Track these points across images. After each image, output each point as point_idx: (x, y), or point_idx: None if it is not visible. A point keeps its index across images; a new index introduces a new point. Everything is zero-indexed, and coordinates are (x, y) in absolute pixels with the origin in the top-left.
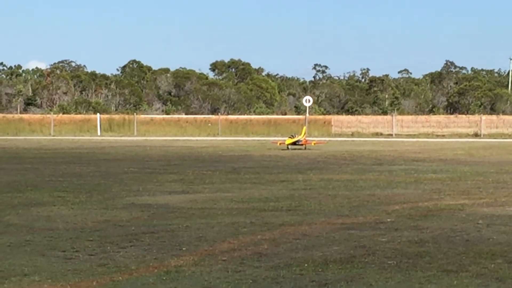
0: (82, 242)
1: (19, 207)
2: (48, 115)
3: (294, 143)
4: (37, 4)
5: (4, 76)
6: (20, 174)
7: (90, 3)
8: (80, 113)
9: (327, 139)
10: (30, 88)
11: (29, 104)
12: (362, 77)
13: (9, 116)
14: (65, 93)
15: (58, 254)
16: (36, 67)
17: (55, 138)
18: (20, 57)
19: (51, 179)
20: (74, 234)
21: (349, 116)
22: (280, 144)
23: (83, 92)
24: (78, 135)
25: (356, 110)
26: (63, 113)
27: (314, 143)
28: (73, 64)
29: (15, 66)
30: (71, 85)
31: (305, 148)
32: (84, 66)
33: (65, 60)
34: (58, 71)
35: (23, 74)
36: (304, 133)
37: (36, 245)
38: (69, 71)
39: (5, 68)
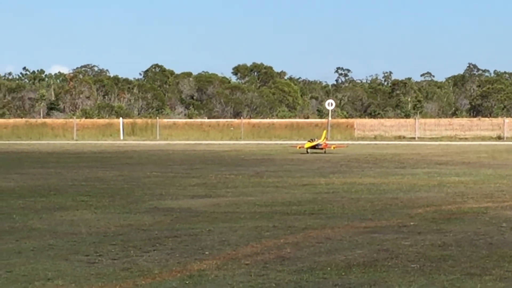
0: (105, 247)
1: (42, 211)
2: (71, 120)
3: (313, 147)
4: (60, 9)
5: (27, 81)
6: (43, 178)
7: (113, 7)
8: (102, 117)
9: (350, 142)
10: (53, 93)
11: (52, 108)
12: (385, 80)
13: (32, 120)
14: (88, 98)
15: (81, 258)
16: (59, 72)
17: (78, 143)
18: (43, 62)
19: (74, 184)
20: (97, 238)
21: (372, 119)
22: (299, 148)
23: (106, 97)
24: (100, 139)
25: (378, 114)
26: (86, 118)
27: (334, 147)
28: (96, 69)
29: (38, 70)
30: (93, 89)
31: (325, 152)
32: (107, 70)
33: (88, 65)
34: (80, 76)
35: (46, 79)
36: (325, 137)
37: (59, 249)
38: (91, 76)
39: (28, 72)
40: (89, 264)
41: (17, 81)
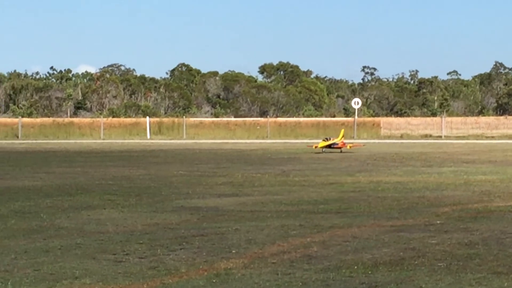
0: (132, 245)
1: (70, 210)
2: (98, 119)
3: (329, 146)
4: (86, 8)
5: (55, 80)
6: (71, 177)
7: (139, 7)
8: (129, 116)
9: (376, 141)
10: (80, 92)
11: (79, 108)
12: (411, 79)
13: (59, 120)
14: (115, 97)
15: (108, 257)
16: (86, 71)
17: (104, 142)
18: (70, 61)
19: (101, 183)
20: (124, 237)
21: (398, 118)
22: (315, 147)
23: (133, 96)
24: (127, 138)
25: (405, 112)
26: (113, 117)
27: (350, 146)
28: (123, 68)
29: (65, 70)
30: (120, 88)
31: (341, 151)
32: (133, 69)
33: (115, 64)
34: (107, 75)
35: (73, 78)
36: (342, 136)
37: (86, 248)
38: (118, 75)
39: (55, 72)
40: (116, 263)
41: (44, 81)
